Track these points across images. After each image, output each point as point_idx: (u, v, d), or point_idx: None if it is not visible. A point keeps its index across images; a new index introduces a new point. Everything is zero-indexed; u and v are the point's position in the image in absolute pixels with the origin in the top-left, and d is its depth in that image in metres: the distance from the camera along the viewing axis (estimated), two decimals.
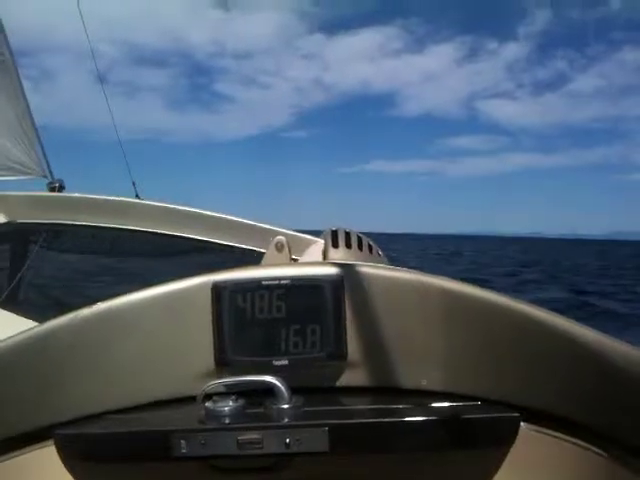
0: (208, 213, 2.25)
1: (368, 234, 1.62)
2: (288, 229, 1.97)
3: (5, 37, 3.26)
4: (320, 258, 1.54)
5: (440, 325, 1.12)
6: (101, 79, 3.75)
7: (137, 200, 2.63)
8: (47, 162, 3.27)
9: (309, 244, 1.86)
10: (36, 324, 1.11)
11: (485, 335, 1.09)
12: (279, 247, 1.37)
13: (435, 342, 1.12)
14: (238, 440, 1.01)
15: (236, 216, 2.24)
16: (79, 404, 1.09)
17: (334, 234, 1.52)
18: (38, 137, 3.30)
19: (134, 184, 3.15)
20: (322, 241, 1.61)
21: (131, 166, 3.29)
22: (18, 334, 1.08)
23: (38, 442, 1.07)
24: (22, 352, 1.07)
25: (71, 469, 1.08)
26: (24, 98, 3.29)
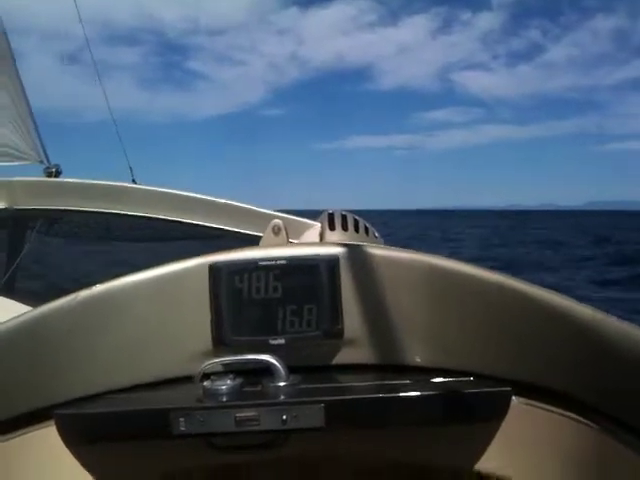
0: (205, 197, 2.26)
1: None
2: (283, 212, 1.98)
3: (1, 22, 3.24)
4: (317, 241, 1.55)
5: (433, 302, 1.13)
6: (95, 63, 3.73)
7: (134, 185, 2.63)
8: (43, 147, 3.27)
9: (306, 228, 1.87)
10: (32, 309, 1.11)
11: (477, 311, 1.10)
12: (276, 230, 1.38)
13: (429, 319, 1.14)
14: (236, 417, 1.02)
15: (233, 200, 2.24)
16: (79, 385, 1.10)
17: (330, 217, 1.53)
18: (34, 122, 3.29)
19: (131, 169, 3.15)
20: (319, 224, 1.62)
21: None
22: (16, 317, 1.09)
23: (39, 422, 1.08)
24: (21, 334, 1.08)
25: (72, 448, 1.09)
26: (20, 83, 3.28)
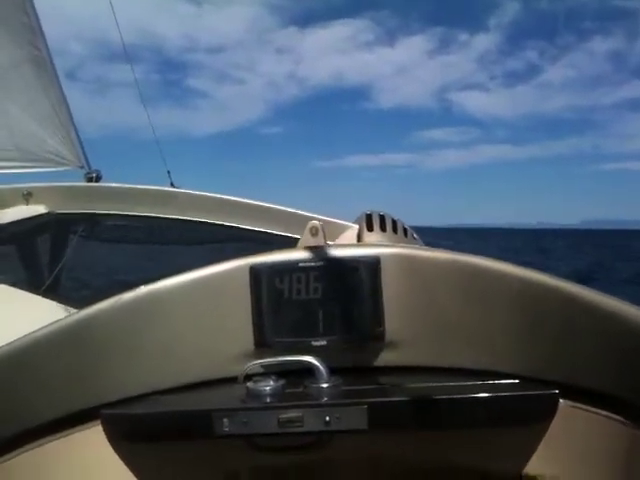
0: (243, 200, 2.28)
1: None
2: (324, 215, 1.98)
3: (42, 35, 3.31)
4: (355, 242, 1.54)
5: (476, 304, 1.12)
6: (136, 81, 3.81)
7: (174, 189, 2.66)
8: (84, 153, 3.33)
9: (344, 229, 1.86)
10: (77, 311, 1.13)
11: (521, 313, 1.09)
12: (314, 232, 1.38)
13: (472, 321, 1.12)
14: (279, 419, 1.03)
15: (270, 203, 2.25)
16: (124, 385, 1.12)
17: (368, 218, 1.52)
18: (74, 128, 3.36)
19: (169, 172, 3.19)
20: (356, 226, 1.62)
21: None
22: (61, 319, 1.10)
23: (85, 422, 1.10)
24: (66, 336, 1.10)
25: (117, 448, 1.11)
26: (60, 91, 3.35)
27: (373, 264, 1.15)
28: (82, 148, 3.35)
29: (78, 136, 3.37)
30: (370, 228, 1.49)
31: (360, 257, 1.16)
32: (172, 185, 2.99)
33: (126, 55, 4.15)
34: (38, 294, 2.24)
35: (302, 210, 2.17)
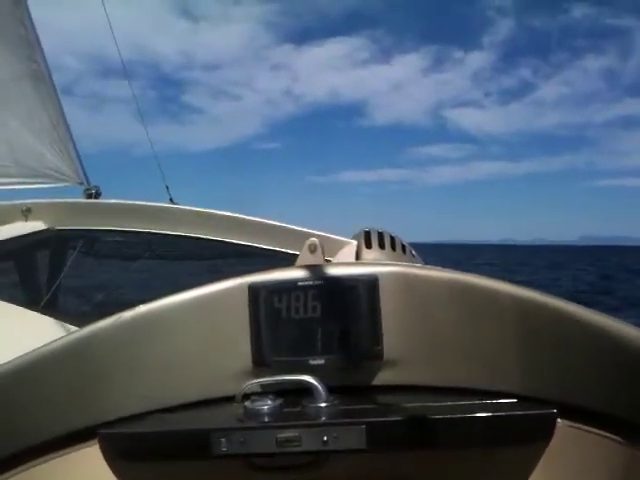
0: (242, 217, 2.28)
1: None
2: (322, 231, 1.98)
3: (40, 49, 3.33)
4: (353, 259, 1.54)
5: (473, 323, 1.12)
6: (135, 97, 3.83)
7: (173, 205, 2.67)
8: (83, 169, 3.33)
9: (342, 245, 1.87)
10: (75, 328, 1.13)
11: (520, 332, 1.09)
12: (312, 249, 1.38)
13: (470, 339, 1.12)
14: (277, 438, 1.02)
15: (269, 219, 2.26)
16: (122, 404, 1.12)
17: (367, 235, 1.53)
18: (73, 144, 3.36)
19: (167, 188, 3.20)
20: (355, 242, 1.62)
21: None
22: (62, 337, 1.11)
23: (83, 441, 1.10)
24: (66, 354, 1.10)
25: (115, 467, 1.11)
26: (59, 106, 3.36)
27: (371, 283, 1.15)
28: (81, 164, 3.35)
29: (77, 152, 3.37)
30: (369, 245, 1.49)
31: (358, 276, 1.16)
32: (171, 201, 3.00)
33: (125, 71, 4.17)
34: (36, 310, 2.24)
35: (300, 226, 2.17)
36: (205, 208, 2.37)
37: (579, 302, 1.07)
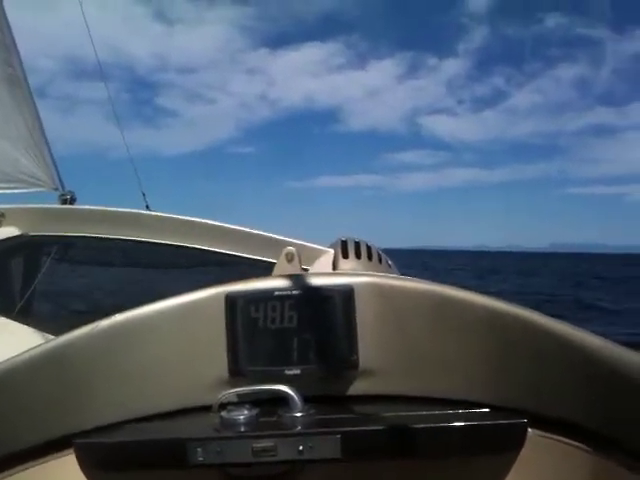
0: (218, 224, 2.28)
1: None
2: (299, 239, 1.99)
3: (17, 53, 3.29)
4: (330, 268, 1.55)
5: (447, 333, 1.14)
6: (111, 100, 3.80)
7: (148, 212, 2.65)
8: (58, 174, 3.30)
9: (319, 254, 1.88)
10: (50, 336, 1.13)
11: (493, 342, 1.10)
12: (289, 258, 1.39)
13: (444, 350, 1.14)
14: (253, 448, 1.03)
15: (246, 227, 2.26)
16: (98, 414, 1.11)
17: (344, 244, 1.54)
18: (49, 149, 3.32)
19: (144, 195, 3.18)
20: (332, 251, 1.63)
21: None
22: (38, 345, 1.10)
23: (58, 451, 1.09)
24: (43, 363, 1.09)
25: (91, 476, 1.10)
26: (35, 111, 3.32)
27: (347, 293, 1.16)
28: (57, 169, 3.31)
29: (52, 157, 3.34)
30: (345, 255, 1.50)
31: (334, 286, 1.17)
32: (147, 208, 2.98)
33: (102, 74, 4.14)
34: (10, 317, 2.21)
35: (278, 234, 2.18)
36: (182, 215, 2.36)
37: (541, 309, 1.10)
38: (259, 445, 1.03)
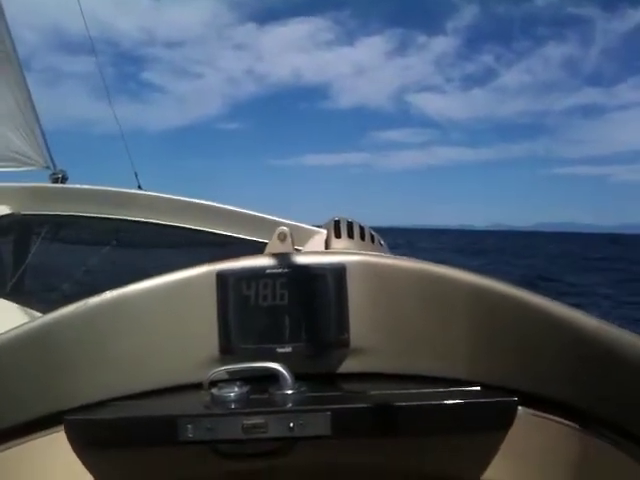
0: (211, 204, 2.27)
1: None
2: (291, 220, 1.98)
3: (7, 27, 3.26)
4: (322, 248, 1.55)
5: (439, 312, 1.14)
6: (102, 76, 3.77)
7: (140, 191, 2.64)
8: (50, 153, 3.28)
9: (312, 234, 1.87)
10: (41, 315, 1.12)
11: (484, 321, 1.11)
12: (282, 237, 1.38)
13: (434, 328, 1.14)
14: (243, 425, 1.03)
15: (238, 207, 2.25)
16: (88, 391, 1.11)
17: (336, 224, 1.53)
18: (40, 128, 3.31)
19: (136, 175, 3.17)
20: (324, 231, 1.62)
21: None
22: (26, 323, 1.09)
23: (48, 428, 1.09)
24: (30, 341, 1.08)
25: (80, 454, 1.10)
26: (26, 89, 3.30)
27: (339, 272, 1.16)
28: (48, 148, 3.30)
29: (44, 135, 3.32)
30: (338, 235, 1.50)
31: (326, 265, 1.17)
32: (139, 187, 2.97)
33: (93, 49, 4.10)
34: (0, 296, 2.21)
35: (270, 215, 2.17)
36: (174, 195, 2.35)
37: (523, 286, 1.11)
38: (249, 422, 1.03)
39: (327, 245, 1.51)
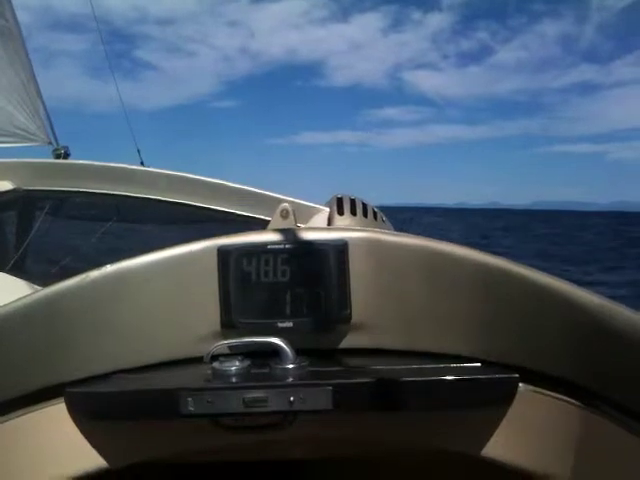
0: (214, 180, 2.27)
1: None
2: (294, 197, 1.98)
3: (10, 5, 3.24)
4: (325, 225, 1.55)
5: (441, 288, 1.13)
6: (107, 55, 3.75)
7: (142, 167, 2.64)
8: (52, 129, 3.27)
9: (314, 212, 1.87)
10: (43, 288, 1.12)
11: (486, 298, 1.10)
12: (284, 214, 1.38)
13: (437, 305, 1.14)
14: (244, 398, 1.03)
15: (241, 184, 2.25)
16: (89, 364, 1.11)
17: (339, 201, 1.53)
18: (43, 104, 3.30)
19: (139, 151, 3.16)
20: (327, 209, 1.62)
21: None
22: (26, 296, 1.09)
23: (49, 400, 1.10)
24: (32, 313, 1.09)
25: (81, 426, 1.11)
26: (29, 64, 3.28)
27: (341, 247, 1.16)
28: (51, 124, 3.29)
29: (47, 111, 3.31)
30: (341, 212, 1.50)
31: (328, 241, 1.17)
32: (142, 164, 2.97)
33: (98, 28, 4.07)
34: (4, 271, 2.21)
35: (273, 192, 2.17)
36: (177, 171, 2.36)
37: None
38: (250, 396, 1.03)
39: (330, 222, 1.51)
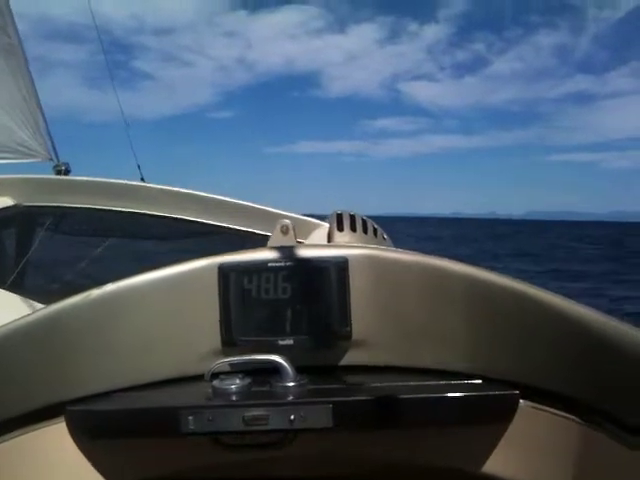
0: (214, 197, 2.27)
1: None
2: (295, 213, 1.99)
3: (13, 21, 3.25)
4: (325, 241, 1.55)
5: (442, 305, 1.14)
6: (108, 63, 3.77)
7: (143, 183, 2.64)
8: (53, 145, 3.28)
9: (314, 227, 1.87)
10: (43, 306, 1.12)
11: (485, 314, 1.10)
12: (284, 230, 1.38)
13: (436, 321, 1.14)
14: (244, 417, 1.03)
15: (241, 200, 2.25)
16: (90, 382, 1.11)
17: (339, 217, 1.53)
18: (44, 120, 3.30)
19: (139, 167, 3.17)
20: (327, 225, 1.62)
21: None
22: (29, 314, 1.09)
23: (50, 418, 1.09)
24: (34, 331, 1.09)
25: (81, 445, 1.10)
26: (31, 81, 3.30)
27: (341, 265, 1.16)
28: (51, 140, 3.30)
29: (47, 127, 3.32)
30: (340, 228, 1.50)
31: (328, 258, 1.17)
32: (142, 180, 2.97)
33: (99, 39, 4.08)
34: (3, 288, 2.21)
35: (273, 207, 2.17)
36: (177, 187, 2.36)
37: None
38: (250, 414, 1.03)
39: (330, 238, 1.51)
